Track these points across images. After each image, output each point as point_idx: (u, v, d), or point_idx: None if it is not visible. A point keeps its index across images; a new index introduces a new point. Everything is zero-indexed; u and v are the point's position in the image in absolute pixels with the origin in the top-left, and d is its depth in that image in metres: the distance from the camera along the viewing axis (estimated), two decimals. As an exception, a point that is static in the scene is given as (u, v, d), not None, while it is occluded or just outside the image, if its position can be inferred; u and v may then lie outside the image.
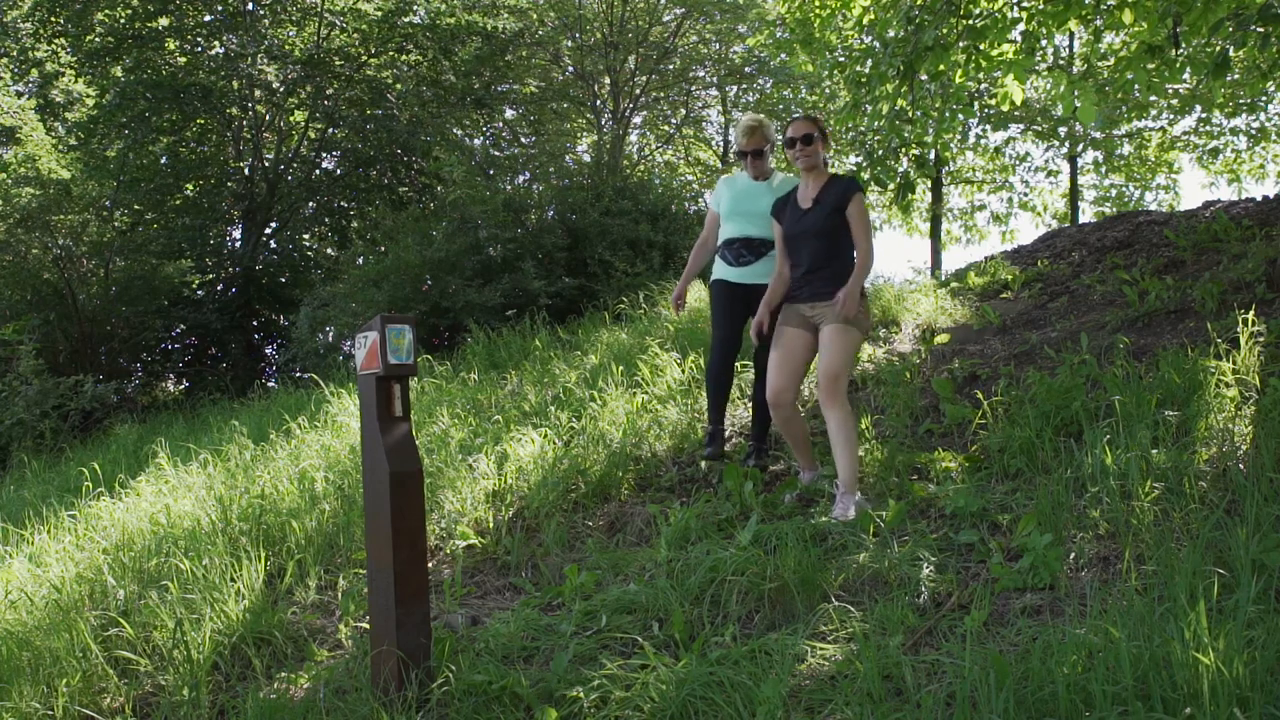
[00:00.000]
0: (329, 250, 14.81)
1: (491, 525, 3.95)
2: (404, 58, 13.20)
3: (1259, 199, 7.08)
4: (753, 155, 4.28)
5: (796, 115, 3.99)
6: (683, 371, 5.37)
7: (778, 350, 3.79)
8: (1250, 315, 3.83)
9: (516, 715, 2.38)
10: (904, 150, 5.55)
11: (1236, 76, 10.63)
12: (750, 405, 4.54)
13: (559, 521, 3.90)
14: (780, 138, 4.23)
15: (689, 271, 4.55)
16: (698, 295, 7.65)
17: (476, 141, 15.04)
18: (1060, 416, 3.70)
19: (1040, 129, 14.91)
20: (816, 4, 6.59)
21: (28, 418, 9.28)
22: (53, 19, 12.26)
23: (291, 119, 13.85)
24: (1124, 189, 16.75)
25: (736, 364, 4.51)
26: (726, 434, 4.53)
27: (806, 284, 3.78)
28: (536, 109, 16.01)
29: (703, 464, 4.36)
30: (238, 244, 13.88)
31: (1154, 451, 3.11)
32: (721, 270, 4.34)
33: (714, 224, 4.44)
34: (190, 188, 13.56)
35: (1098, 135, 14.63)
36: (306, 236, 14.96)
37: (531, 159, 13.92)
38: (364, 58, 12.89)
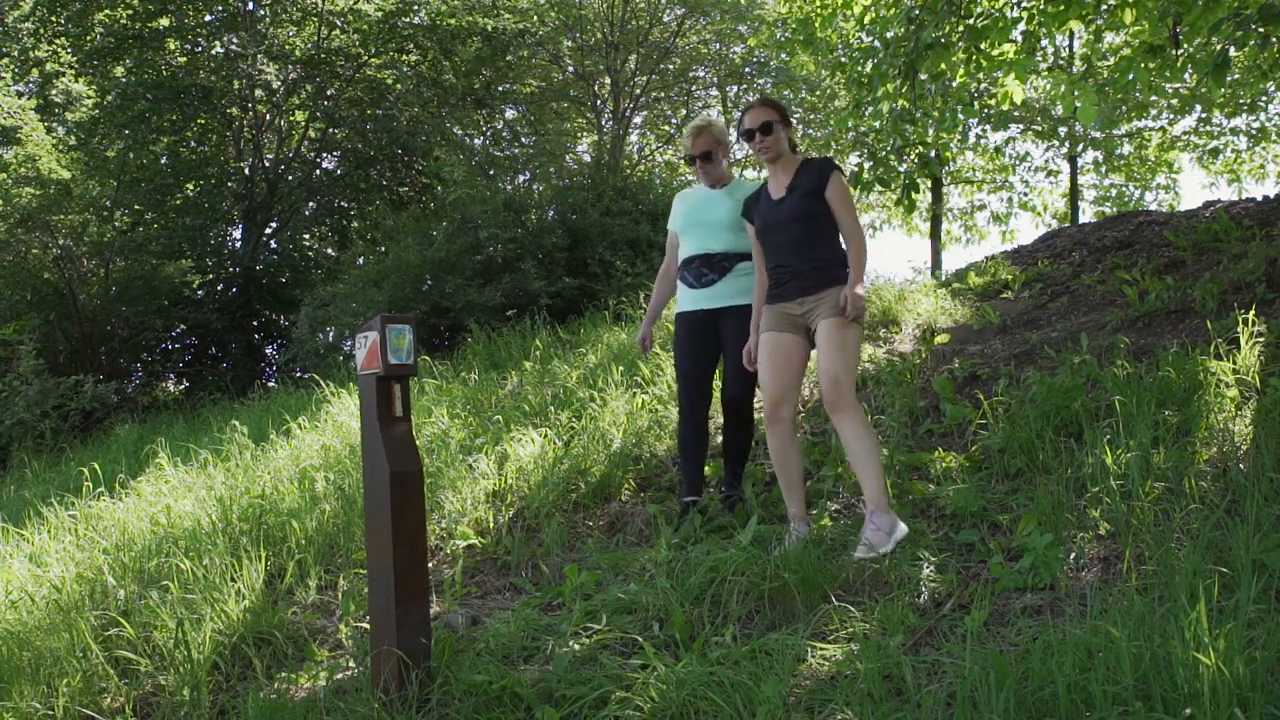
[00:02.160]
0: (329, 250, 14.81)
1: (492, 525, 3.95)
2: (404, 58, 13.20)
3: (1259, 199, 7.07)
4: (701, 159, 3.84)
5: (751, 103, 3.55)
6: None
7: (768, 360, 3.38)
8: (1250, 315, 3.83)
9: (516, 715, 2.38)
10: (906, 150, 5.54)
11: (1236, 76, 10.63)
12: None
13: (559, 521, 3.90)
14: (733, 137, 3.88)
15: (654, 306, 4.07)
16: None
17: (477, 141, 15.03)
18: (1060, 416, 3.70)
19: (1040, 129, 14.91)
20: (818, 3, 6.59)
21: (28, 418, 9.29)
22: (53, 19, 12.27)
23: (292, 119, 13.85)
24: (1124, 189, 16.75)
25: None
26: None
27: (792, 279, 3.36)
28: (536, 109, 16.02)
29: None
30: (238, 244, 13.89)
31: (1154, 451, 3.11)
32: (682, 298, 3.85)
33: (675, 247, 3.94)
34: (190, 188, 13.57)
35: (1098, 135, 14.63)
36: (307, 236, 14.97)
37: (531, 159, 13.91)
38: (364, 58, 12.90)
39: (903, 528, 3.05)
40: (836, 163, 3.41)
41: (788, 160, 3.46)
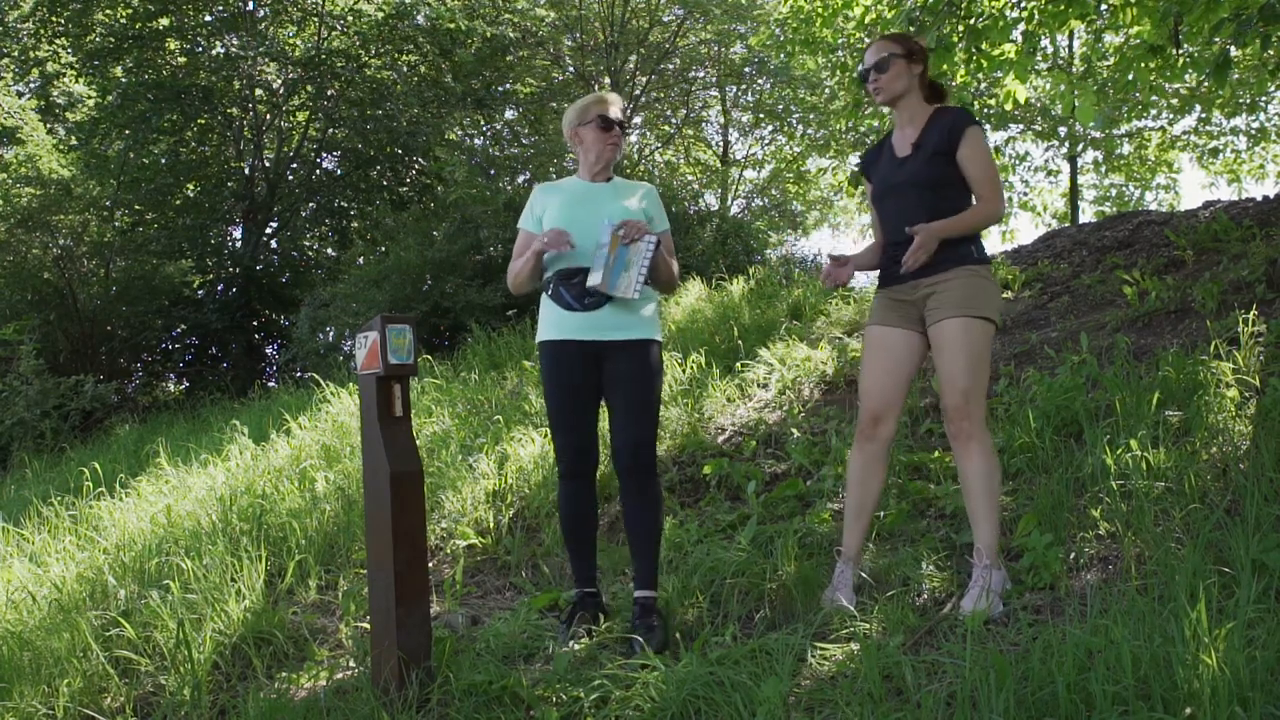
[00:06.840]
0: (329, 250, 14.82)
1: (492, 525, 3.95)
2: (404, 59, 13.20)
3: (1259, 199, 7.07)
4: (601, 123, 2.90)
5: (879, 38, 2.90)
6: (684, 372, 5.36)
7: (872, 361, 2.84)
8: (1250, 315, 3.83)
9: (516, 715, 2.38)
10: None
11: (1238, 76, 10.63)
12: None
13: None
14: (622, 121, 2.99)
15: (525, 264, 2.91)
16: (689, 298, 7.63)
17: (477, 142, 15.02)
18: (1060, 416, 3.69)
19: (1040, 129, 14.89)
20: (819, 3, 6.59)
21: (28, 418, 9.29)
22: (53, 19, 12.28)
23: (292, 119, 13.86)
24: (1124, 189, 16.74)
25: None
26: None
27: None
28: (536, 109, 16.03)
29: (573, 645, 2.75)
30: (238, 244, 13.90)
31: (1154, 451, 3.11)
32: (556, 321, 2.87)
33: (521, 253, 2.94)
34: (191, 188, 13.59)
35: (1098, 135, 14.61)
36: (307, 237, 14.97)
37: (531, 159, 13.90)
38: (364, 59, 12.90)
39: (1008, 583, 2.68)
40: (973, 116, 2.77)
41: (916, 108, 2.84)
